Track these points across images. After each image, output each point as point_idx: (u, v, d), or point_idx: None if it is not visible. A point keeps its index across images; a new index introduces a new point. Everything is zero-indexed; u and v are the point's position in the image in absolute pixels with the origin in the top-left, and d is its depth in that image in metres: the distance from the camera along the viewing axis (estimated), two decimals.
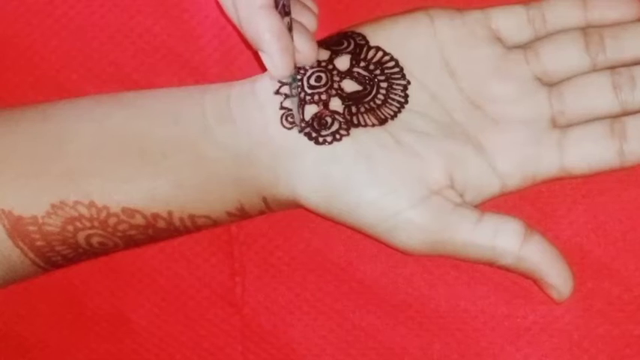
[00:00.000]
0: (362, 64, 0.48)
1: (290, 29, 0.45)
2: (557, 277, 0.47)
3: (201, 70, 0.53)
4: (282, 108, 0.47)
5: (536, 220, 0.49)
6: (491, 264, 0.47)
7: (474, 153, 0.48)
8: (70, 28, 0.54)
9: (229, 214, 0.49)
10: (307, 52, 0.47)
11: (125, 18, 0.54)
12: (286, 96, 0.48)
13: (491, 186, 0.48)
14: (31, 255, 0.48)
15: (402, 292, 0.52)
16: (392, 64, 0.48)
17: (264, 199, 0.48)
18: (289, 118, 0.47)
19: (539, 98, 0.48)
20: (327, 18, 0.51)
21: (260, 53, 0.45)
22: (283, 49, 0.45)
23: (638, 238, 0.50)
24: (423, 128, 0.47)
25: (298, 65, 0.47)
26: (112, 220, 0.48)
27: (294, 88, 0.47)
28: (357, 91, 0.48)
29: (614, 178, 0.50)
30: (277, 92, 0.48)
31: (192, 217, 0.48)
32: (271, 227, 0.53)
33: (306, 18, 0.48)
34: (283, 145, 0.47)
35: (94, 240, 0.48)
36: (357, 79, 0.48)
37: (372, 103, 0.47)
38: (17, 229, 0.47)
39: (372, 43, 0.49)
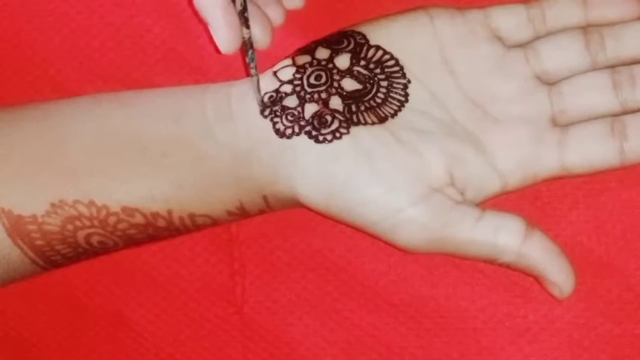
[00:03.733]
0: (362, 62, 0.48)
1: (244, 10, 0.46)
2: (558, 273, 0.47)
3: (201, 69, 0.53)
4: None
5: (537, 219, 0.48)
6: (492, 261, 0.47)
7: (475, 151, 0.48)
8: (71, 27, 0.54)
9: (229, 213, 0.49)
10: (258, 35, 0.47)
11: (125, 18, 0.54)
12: (285, 94, 0.48)
13: (491, 184, 0.48)
14: (31, 254, 0.48)
15: (402, 292, 0.52)
16: (392, 62, 0.48)
17: (265, 198, 0.48)
18: (289, 117, 0.47)
19: (539, 97, 0.48)
20: (327, 17, 0.52)
21: (209, 27, 0.47)
22: (227, 24, 0.46)
23: (638, 237, 0.50)
24: (423, 126, 0.47)
25: (256, 47, 0.48)
26: (112, 219, 0.48)
27: (253, 68, 0.47)
28: (357, 90, 0.48)
29: (614, 177, 0.50)
30: (277, 90, 0.48)
31: (192, 216, 0.48)
32: (271, 227, 0.53)
33: (271, 9, 0.49)
34: (283, 144, 0.47)
35: (94, 239, 0.48)
36: (357, 77, 0.48)
37: (372, 102, 0.47)
38: (17, 228, 0.47)
39: (372, 42, 0.49)
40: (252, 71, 0.48)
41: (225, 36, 0.46)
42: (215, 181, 0.48)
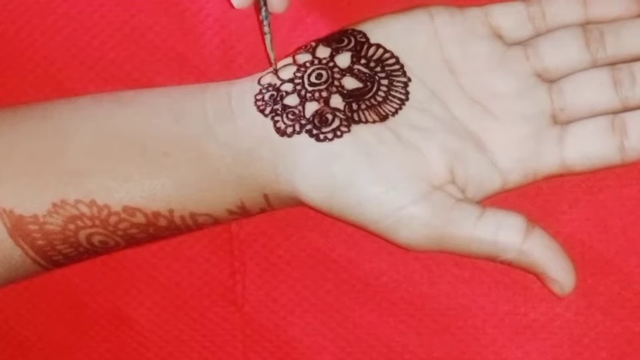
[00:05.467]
0: (362, 61, 0.48)
1: None
2: (559, 270, 0.47)
3: (201, 68, 0.53)
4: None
5: (537, 217, 0.48)
6: (493, 259, 0.47)
7: (475, 149, 0.48)
8: (71, 26, 0.54)
9: (230, 211, 0.49)
10: None
11: (126, 17, 0.54)
12: (286, 93, 0.48)
13: (492, 182, 0.48)
14: (32, 254, 0.48)
15: (403, 290, 0.52)
16: (392, 61, 0.48)
17: (266, 197, 0.48)
18: (289, 116, 0.47)
19: (539, 94, 0.48)
20: (328, 15, 0.52)
21: None
22: None
23: (638, 235, 0.50)
24: (423, 124, 0.47)
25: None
26: (113, 219, 0.48)
27: (266, 26, 0.48)
28: (358, 88, 0.48)
29: (614, 174, 0.50)
30: (278, 89, 0.48)
31: (193, 215, 0.48)
32: (272, 226, 0.53)
33: None
34: (284, 142, 0.47)
35: (95, 239, 0.48)
36: (358, 76, 0.48)
37: (372, 100, 0.47)
38: (18, 228, 0.47)
39: (372, 41, 0.49)
40: (266, 29, 0.48)
41: None
42: (216, 181, 0.48)
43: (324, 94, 0.48)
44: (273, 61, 0.48)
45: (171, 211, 0.48)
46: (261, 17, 0.48)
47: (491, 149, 0.48)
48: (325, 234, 0.53)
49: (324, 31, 0.50)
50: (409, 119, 0.47)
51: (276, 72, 0.48)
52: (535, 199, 0.51)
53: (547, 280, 0.47)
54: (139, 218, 0.48)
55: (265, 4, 0.47)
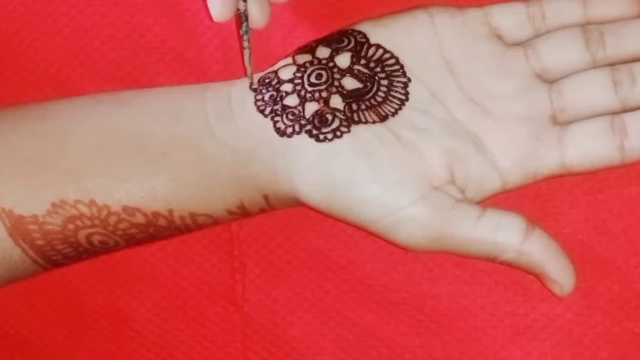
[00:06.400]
0: (362, 61, 0.48)
1: None
2: (559, 271, 0.47)
3: (201, 68, 0.53)
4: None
5: (537, 217, 0.48)
6: (492, 260, 0.47)
7: (475, 150, 0.48)
8: (71, 26, 0.54)
9: (230, 212, 0.49)
10: (254, 13, 0.47)
11: (126, 17, 0.54)
12: (286, 93, 0.48)
13: (492, 183, 0.48)
14: (32, 254, 0.48)
15: (403, 291, 0.52)
16: (392, 61, 0.48)
17: (265, 197, 0.48)
18: (289, 116, 0.47)
19: (539, 95, 0.48)
20: (327, 16, 0.52)
21: None
22: None
23: (638, 236, 0.50)
24: (423, 125, 0.47)
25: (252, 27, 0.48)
26: (113, 219, 0.48)
27: (246, 41, 0.48)
28: (358, 89, 0.48)
29: (614, 175, 0.50)
30: (278, 89, 0.48)
31: (192, 215, 0.48)
32: (272, 226, 0.53)
33: None
34: (284, 143, 0.47)
35: (95, 239, 0.48)
36: (358, 76, 0.48)
37: (372, 101, 0.47)
38: (18, 228, 0.47)
39: (372, 41, 0.49)
40: (245, 44, 0.48)
41: (218, 3, 0.46)
42: (216, 181, 0.48)
43: (324, 94, 0.48)
44: (249, 76, 0.48)
45: (170, 211, 0.48)
46: (241, 32, 0.48)
47: (491, 150, 0.48)
48: (325, 234, 0.53)
49: (322, 32, 0.50)
50: (409, 120, 0.47)
51: (251, 87, 0.48)
52: (535, 199, 0.51)
53: (547, 280, 0.47)
54: (139, 218, 0.48)
55: (247, 19, 0.47)
